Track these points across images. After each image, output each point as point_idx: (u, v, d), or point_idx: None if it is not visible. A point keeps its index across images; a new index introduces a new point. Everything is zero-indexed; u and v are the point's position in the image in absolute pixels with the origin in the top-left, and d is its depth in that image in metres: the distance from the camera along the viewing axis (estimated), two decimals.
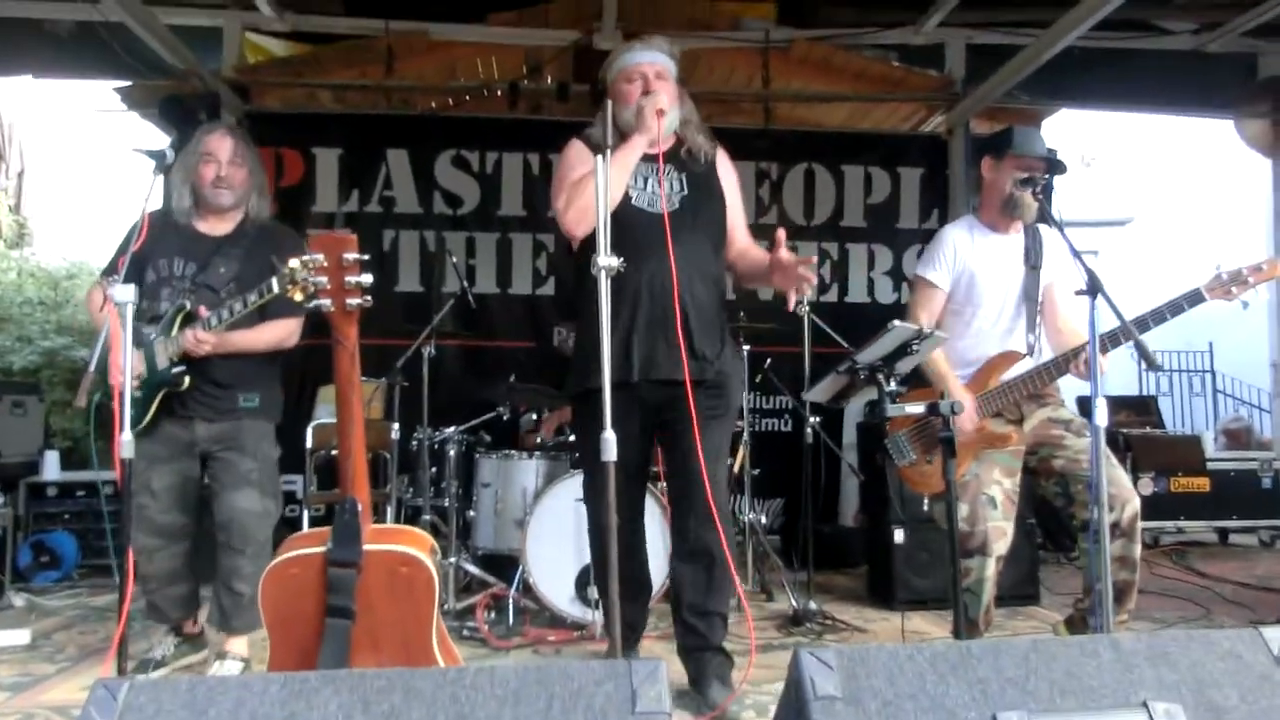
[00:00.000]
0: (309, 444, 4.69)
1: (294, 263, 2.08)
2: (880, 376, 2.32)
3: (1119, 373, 10.66)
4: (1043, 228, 3.24)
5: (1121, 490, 2.89)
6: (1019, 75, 5.34)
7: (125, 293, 2.56)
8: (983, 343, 3.15)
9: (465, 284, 4.54)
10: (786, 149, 6.12)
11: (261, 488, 3.21)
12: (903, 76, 6.04)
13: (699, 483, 2.71)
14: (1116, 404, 6.85)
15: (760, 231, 5.90)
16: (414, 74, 5.88)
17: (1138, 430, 6.24)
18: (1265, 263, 2.85)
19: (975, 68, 5.84)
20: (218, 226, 3.30)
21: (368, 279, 1.98)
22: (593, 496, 2.97)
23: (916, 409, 2.37)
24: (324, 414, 5.21)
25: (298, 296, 2.09)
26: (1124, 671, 1.70)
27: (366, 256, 1.98)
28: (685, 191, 2.91)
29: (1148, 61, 5.93)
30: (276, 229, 3.43)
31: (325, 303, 1.99)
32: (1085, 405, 2.62)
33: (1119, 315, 2.70)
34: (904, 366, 2.37)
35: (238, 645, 3.21)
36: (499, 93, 5.80)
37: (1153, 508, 5.87)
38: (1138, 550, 2.89)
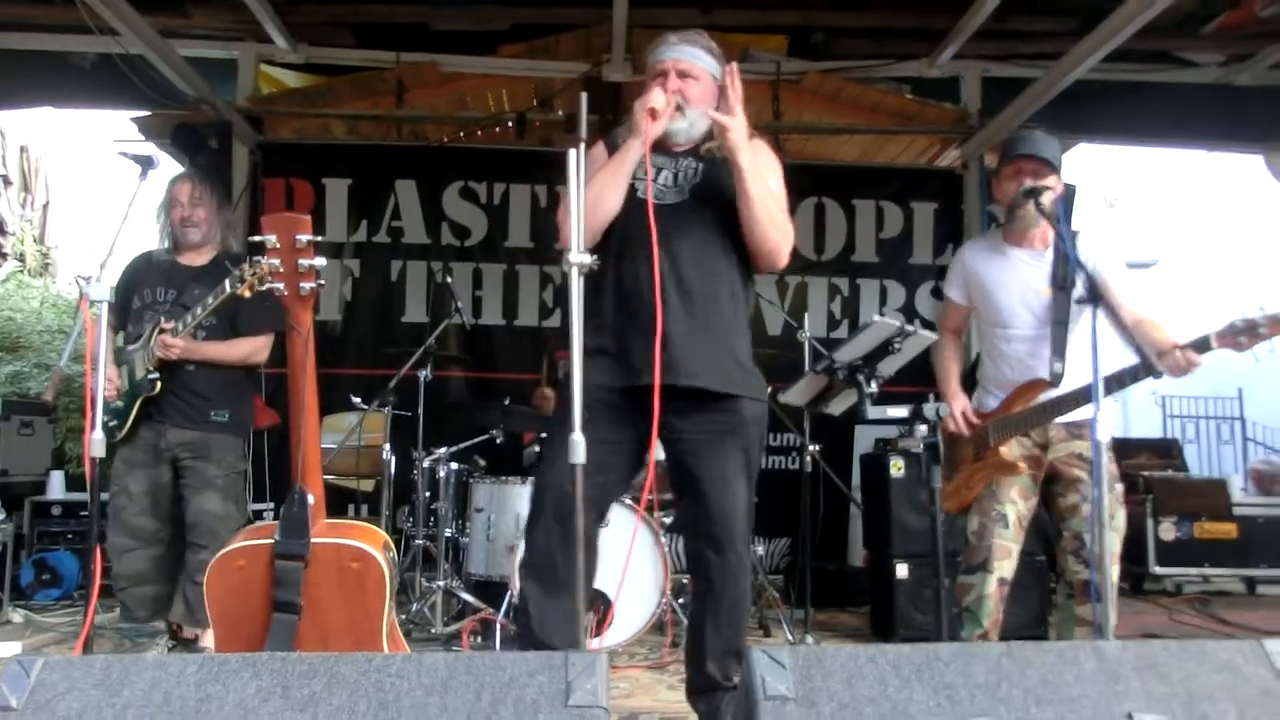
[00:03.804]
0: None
1: (245, 264, 2.37)
2: (860, 377, 2.21)
3: (1142, 417, 10.40)
4: (1081, 242, 3.01)
5: (1106, 555, 2.68)
6: (1034, 107, 5.25)
7: (101, 290, 2.58)
8: (1013, 367, 3.00)
9: (459, 305, 4.50)
10: (797, 182, 5.96)
11: (225, 493, 3.45)
12: (917, 109, 5.97)
13: (718, 513, 2.44)
14: (1137, 446, 6.64)
15: None
16: (425, 105, 5.91)
17: (1159, 473, 6.01)
18: None
19: (991, 101, 5.75)
20: (195, 259, 3.60)
21: (320, 262, 1.93)
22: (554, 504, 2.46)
23: (899, 412, 2.27)
24: (326, 441, 5.19)
25: (246, 294, 2.38)
26: (1107, 682, 1.57)
27: (320, 238, 1.93)
28: (699, 181, 2.58)
29: (1172, 94, 5.78)
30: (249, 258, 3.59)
31: (278, 286, 1.94)
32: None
33: (1119, 325, 2.59)
34: (886, 367, 2.27)
35: (209, 640, 3.23)
36: (508, 124, 5.81)
37: (1175, 554, 5.64)
38: (1114, 616, 2.68)
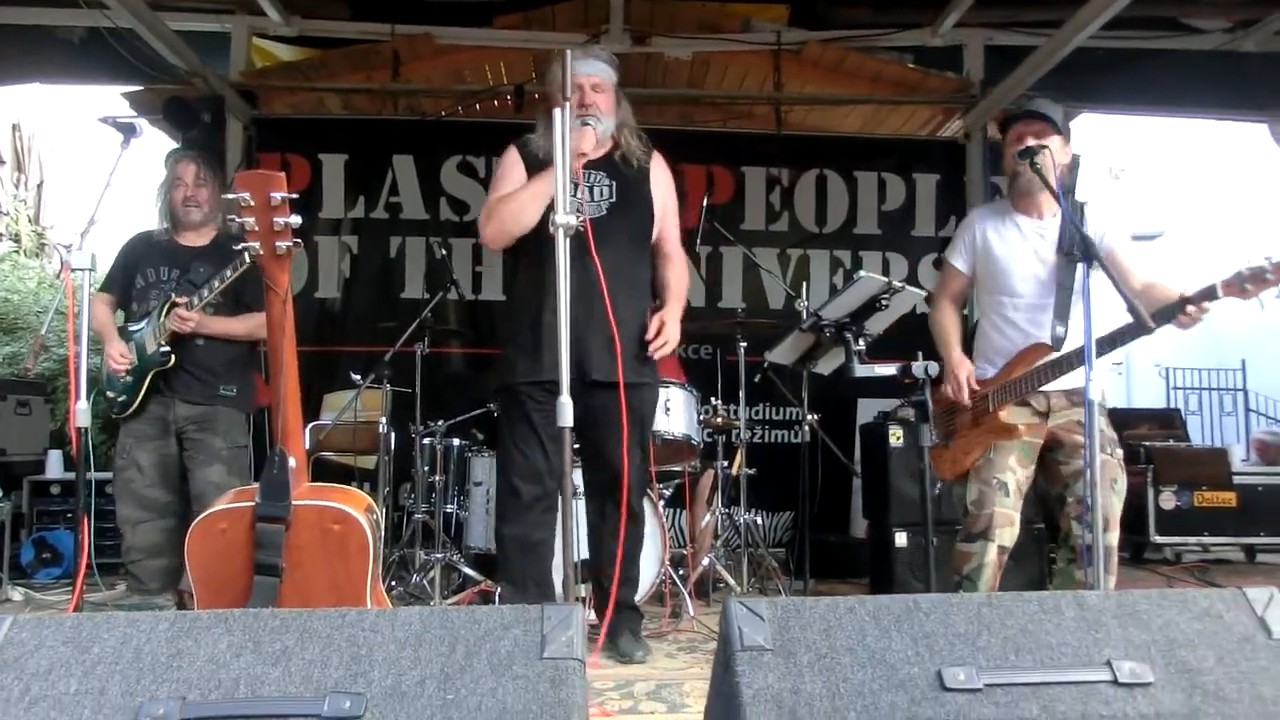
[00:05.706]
0: (305, 445, 4.64)
1: None
2: (848, 334, 2.19)
3: (1145, 388, 10.35)
4: (1088, 205, 3.05)
5: (1109, 519, 2.79)
6: (1035, 75, 5.16)
7: (81, 259, 2.58)
8: (1017, 334, 3.00)
9: (454, 278, 4.48)
10: (798, 154, 6.01)
11: (229, 465, 3.52)
12: (919, 79, 5.90)
13: (621, 477, 3.04)
14: (1139, 417, 6.61)
15: (772, 239, 5.94)
16: (421, 78, 5.85)
17: (1160, 443, 5.98)
18: None
19: (994, 70, 5.66)
20: (196, 240, 3.68)
21: (296, 220, 1.90)
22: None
23: (887, 370, 2.25)
24: (326, 418, 5.18)
25: None
26: (1087, 630, 1.56)
27: (295, 195, 1.90)
28: (614, 199, 3.07)
29: (1176, 61, 5.68)
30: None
31: (254, 246, 1.91)
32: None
33: (1115, 282, 2.57)
34: (874, 325, 2.25)
35: None
36: (506, 97, 5.75)
37: (1176, 523, 5.61)
38: (1113, 582, 2.80)
